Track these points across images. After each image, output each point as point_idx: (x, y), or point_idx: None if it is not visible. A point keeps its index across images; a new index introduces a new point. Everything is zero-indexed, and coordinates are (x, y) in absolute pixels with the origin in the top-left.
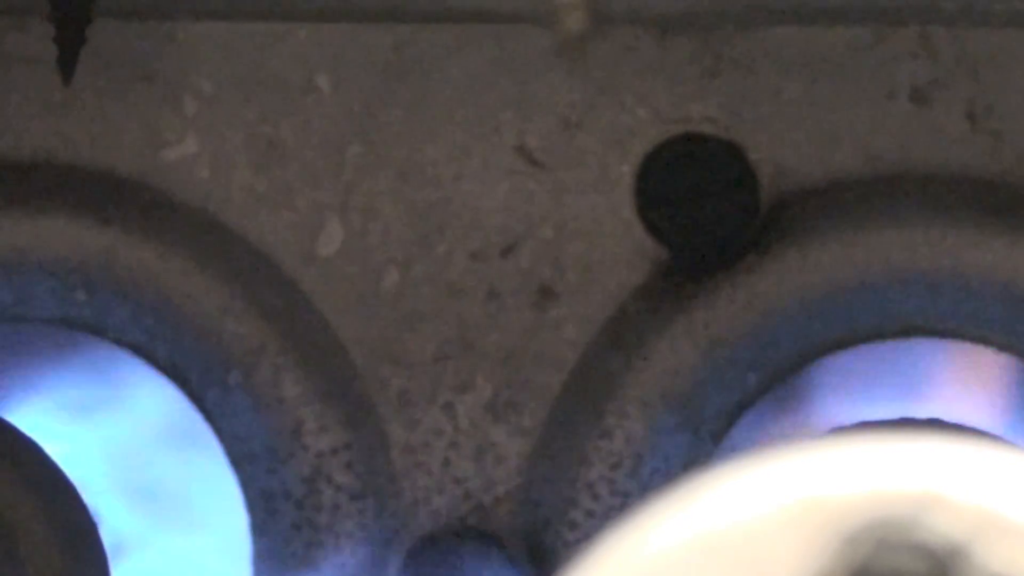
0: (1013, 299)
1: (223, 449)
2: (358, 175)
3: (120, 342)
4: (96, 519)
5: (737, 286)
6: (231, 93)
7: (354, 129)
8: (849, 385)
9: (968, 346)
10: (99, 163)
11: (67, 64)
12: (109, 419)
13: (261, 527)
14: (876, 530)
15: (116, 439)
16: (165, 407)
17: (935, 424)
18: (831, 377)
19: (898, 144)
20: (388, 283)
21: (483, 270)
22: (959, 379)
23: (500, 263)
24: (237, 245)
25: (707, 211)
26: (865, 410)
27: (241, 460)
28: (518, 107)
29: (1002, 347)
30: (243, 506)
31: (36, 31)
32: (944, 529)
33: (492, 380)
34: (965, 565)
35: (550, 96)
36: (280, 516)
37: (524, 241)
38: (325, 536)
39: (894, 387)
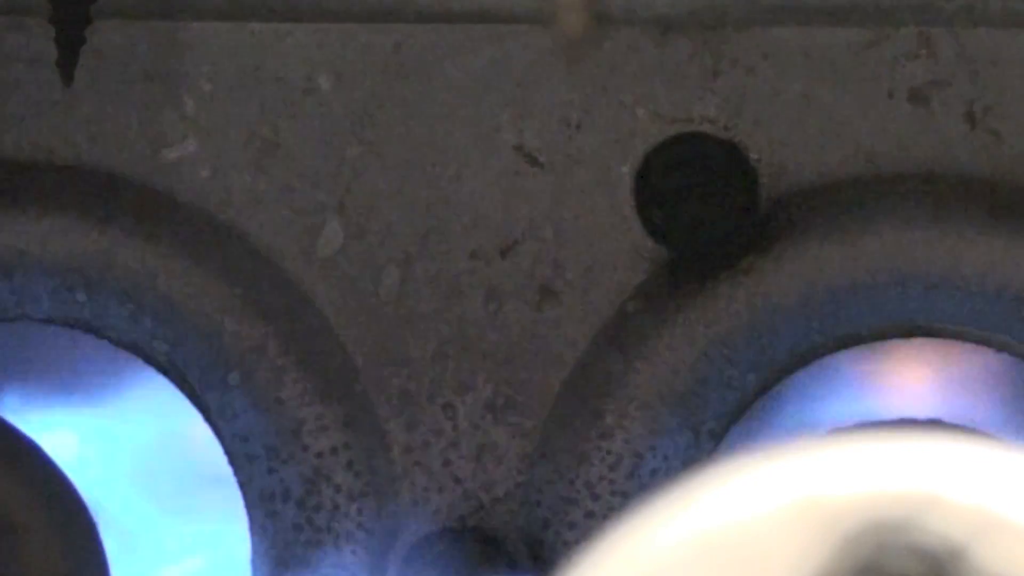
0: (1013, 299)
1: (223, 449)
2: (358, 175)
3: (120, 342)
4: (96, 519)
5: (737, 286)
6: (231, 93)
7: (354, 129)
8: (849, 385)
9: (968, 346)
10: (99, 163)
11: (67, 64)
12: (109, 419)
13: (261, 527)
14: (875, 531)
15: (116, 439)
16: (165, 407)
17: (935, 424)
18: (831, 377)
19: (897, 144)
20: (388, 283)
21: (483, 270)
22: (959, 379)
23: (500, 263)
24: (237, 245)
25: (707, 211)
26: (865, 410)
27: (241, 460)
28: (518, 107)
29: (1002, 347)
30: (243, 506)
31: (36, 31)
32: (943, 530)
33: (492, 380)
34: (964, 566)
35: (550, 96)
36: (280, 516)
37: (524, 241)
38: (325, 536)
39: (894, 387)
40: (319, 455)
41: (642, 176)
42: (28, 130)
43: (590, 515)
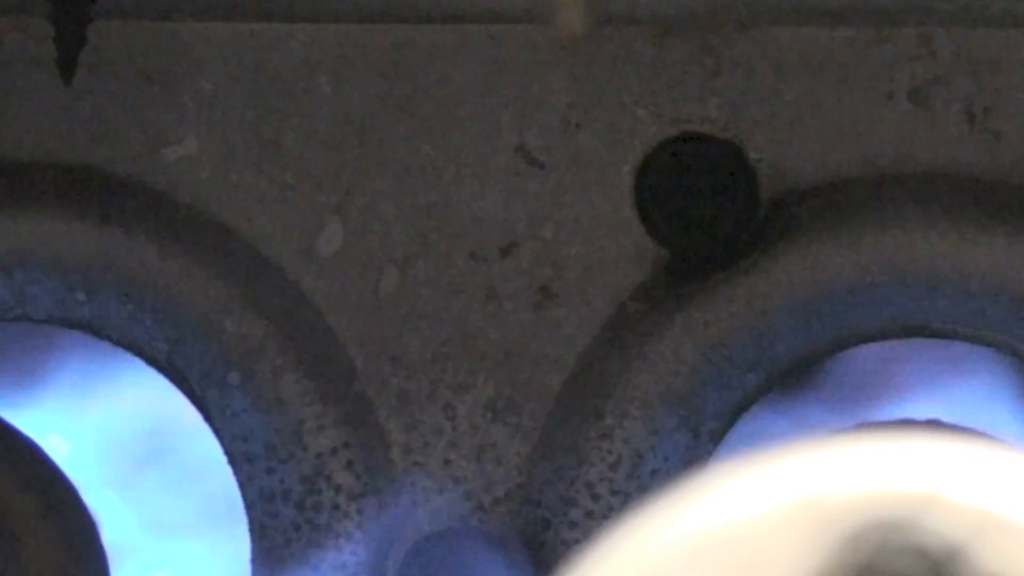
0: (1013, 299)
1: (223, 449)
2: (358, 175)
3: (120, 342)
4: (96, 519)
5: (737, 286)
6: (231, 93)
7: (354, 129)
8: (849, 385)
9: (968, 346)
10: (99, 163)
11: (67, 64)
12: (108, 419)
13: (261, 527)
14: (875, 530)
15: (116, 439)
16: (164, 407)
17: (935, 424)
18: (830, 377)
19: (897, 144)
20: (388, 283)
21: (483, 270)
22: (959, 379)
23: (500, 263)
24: (237, 245)
25: (707, 211)
26: (865, 410)
27: (241, 460)
28: (518, 107)
29: (1002, 347)
30: (243, 506)
31: (36, 31)
32: (943, 530)
33: (492, 380)
34: (964, 566)
35: (550, 96)
36: (280, 516)
37: (524, 241)
38: (325, 536)
39: (894, 387)
40: (319, 455)
41: (642, 176)
42: (28, 130)
43: (590, 515)
